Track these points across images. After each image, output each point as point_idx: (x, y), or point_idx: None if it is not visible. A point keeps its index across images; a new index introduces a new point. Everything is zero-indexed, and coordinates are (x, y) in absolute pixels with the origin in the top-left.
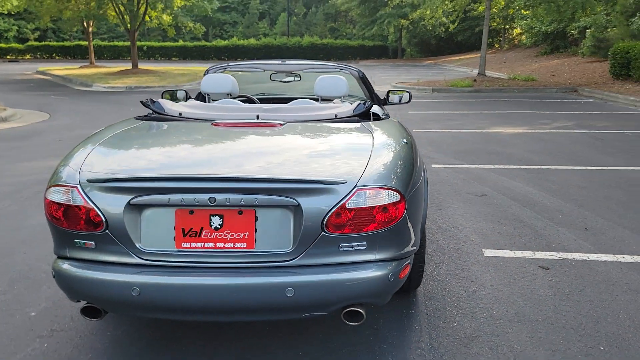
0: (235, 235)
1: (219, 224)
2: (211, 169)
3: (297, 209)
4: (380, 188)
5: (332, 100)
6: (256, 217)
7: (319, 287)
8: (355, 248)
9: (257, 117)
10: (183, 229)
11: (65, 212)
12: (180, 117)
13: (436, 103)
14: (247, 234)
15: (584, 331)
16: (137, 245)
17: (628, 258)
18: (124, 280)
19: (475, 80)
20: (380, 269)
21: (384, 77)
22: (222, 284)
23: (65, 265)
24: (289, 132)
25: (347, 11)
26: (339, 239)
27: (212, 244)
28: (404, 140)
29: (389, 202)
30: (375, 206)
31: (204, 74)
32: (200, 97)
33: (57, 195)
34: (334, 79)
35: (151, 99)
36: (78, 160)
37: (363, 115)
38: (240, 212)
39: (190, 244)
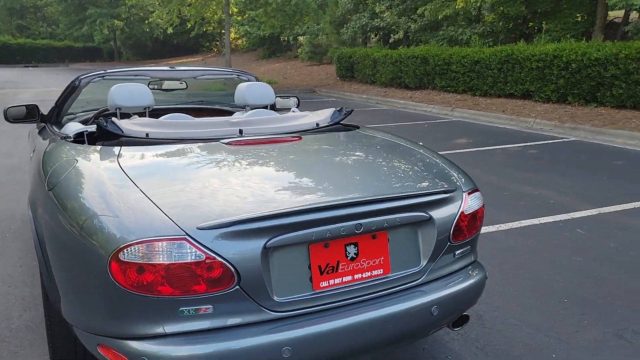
0: (371, 263)
1: (355, 254)
2: (351, 192)
3: (426, 223)
4: (475, 191)
5: (290, 109)
6: (388, 238)
7: (454, 299)
8: (464, 253)
9: (241, 132)
10: (319, 267)
11: (168, 274)
12: (147, 139)
13: None
14: (382, 258)
15: (542, 292)
16: (273, 297)
17: (504, 226)
18: (270, 341)
19: None
20: (481, 270)
21: None
22: (376, 317)
23: (166, 346)
24: (320, 145)
25: (37, 7)
26: (456, 246)
27: (350, 277)
28: (421, 142)
29: (481, 204)
30: (474, 210)
31: (75, 85)
32: (53, 113)
33: (146, 255)
34: (262, 86)
35: (104, 118)
36: (142, 206)
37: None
38: (374, 237)
39: (329, 282)
